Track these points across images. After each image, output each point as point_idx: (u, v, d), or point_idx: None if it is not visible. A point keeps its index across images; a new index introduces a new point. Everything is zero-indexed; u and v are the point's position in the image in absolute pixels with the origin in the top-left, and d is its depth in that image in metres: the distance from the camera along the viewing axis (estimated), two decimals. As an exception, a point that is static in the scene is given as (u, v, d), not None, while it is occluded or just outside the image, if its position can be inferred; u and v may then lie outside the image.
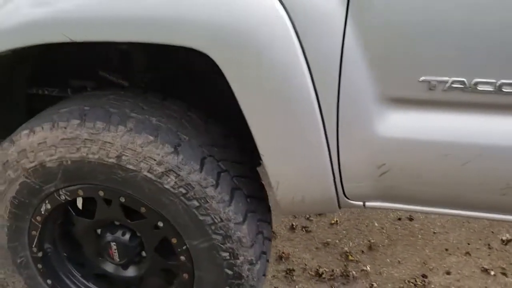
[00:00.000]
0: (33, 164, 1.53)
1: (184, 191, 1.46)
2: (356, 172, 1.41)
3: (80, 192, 1.57)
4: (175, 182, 1.45)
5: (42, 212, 1.62)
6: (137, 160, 1.44)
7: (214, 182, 1.47)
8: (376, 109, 1.32)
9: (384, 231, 2.75)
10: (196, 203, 1.47)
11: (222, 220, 1.49)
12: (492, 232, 2.72)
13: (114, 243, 1.67)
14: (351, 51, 1.25)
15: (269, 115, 1.34)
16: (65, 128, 1.47)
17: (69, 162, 1.50)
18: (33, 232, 1.67)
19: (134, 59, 1.77)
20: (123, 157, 1.45)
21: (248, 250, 1.54)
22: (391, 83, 1.27)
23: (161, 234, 1.59)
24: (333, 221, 2.82)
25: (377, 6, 1.20)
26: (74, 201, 1.64)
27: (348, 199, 1.48)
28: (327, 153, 1.38)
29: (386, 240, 2.67)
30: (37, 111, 1.63)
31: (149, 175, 1.45)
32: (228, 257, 1.53)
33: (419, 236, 2.70)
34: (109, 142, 1.45)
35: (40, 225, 1.65)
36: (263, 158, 1.41)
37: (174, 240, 1.56)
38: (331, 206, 1.49)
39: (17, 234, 1.67)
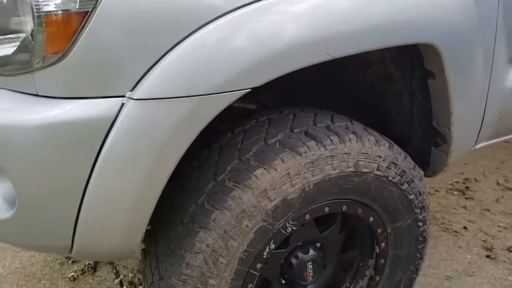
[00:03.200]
0: (274, 203, 1.42)
1: (399, 178, 1.62)
2: (490, 119, 1.84)
3: (307, 217, 1.53)
4: (395, 172, 1.60)
5: (264, 256, 1.50)
6: (369, 162, 1.53)
7: (413, 164, 1.68)
8: (507, 68, 1.79)
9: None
10: (407, 185, 1.65)
11: (420, 194, 1.71)
12: None
13: (310, 263, 1.66)
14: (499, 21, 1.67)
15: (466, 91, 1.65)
16: (306, 152, 1.43)
17: (311, 186, 1.46)
18: (249, 285, 1.51)
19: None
20: (360, 163, 1.52)
21: (429, 214, 1.80)
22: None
23: (368, 230, 1.69)
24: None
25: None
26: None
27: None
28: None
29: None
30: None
31: (378, 172, 1.56)
32: (421, 226, 1.76)
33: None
34: (347, 153, 1.49)
35: (258, 274, 1.51)
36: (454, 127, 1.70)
37: (379, 231, 1.69)
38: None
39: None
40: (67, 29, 1.17)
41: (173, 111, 1.23)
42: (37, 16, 1.17)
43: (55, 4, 1.16)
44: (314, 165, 1.44)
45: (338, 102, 1.96)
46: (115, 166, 1.23)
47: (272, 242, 1.48)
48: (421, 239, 1.78)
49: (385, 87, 1.85)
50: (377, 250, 1.74)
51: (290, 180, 1.42)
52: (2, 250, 2.57)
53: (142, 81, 1.21)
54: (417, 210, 1.71)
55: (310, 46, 1.29)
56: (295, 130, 1.50)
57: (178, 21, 1.21)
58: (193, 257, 1.39)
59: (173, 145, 1.26)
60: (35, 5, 1.16)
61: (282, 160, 1.41)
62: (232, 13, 1.23)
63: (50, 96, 1.23)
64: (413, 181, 1.66)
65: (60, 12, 1.17)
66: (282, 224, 1.47)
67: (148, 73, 1.20)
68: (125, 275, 2.39)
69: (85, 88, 1.21)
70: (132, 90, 1.20)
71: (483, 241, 2.67)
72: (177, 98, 1.22)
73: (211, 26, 1.21)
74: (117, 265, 2.47)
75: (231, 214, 1.38)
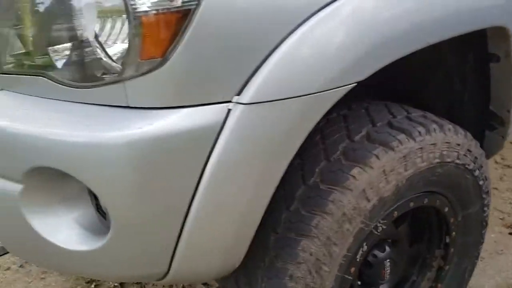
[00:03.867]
0: (372, 203, 1.35)
1: (473, 164, 1.59)
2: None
3: (395, 214, 1.47)
4: (470, 159, 1.57)
5: (357, 260, 1.42)
6: (451, 151, 1.49)
7: (482, 150, 1.65)
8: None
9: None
10: (478, 172, 1.62)
11: (486, 179, 1.69)
12: None
13: (388, 260, 1.60)
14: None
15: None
16: (398, 146, 1.37)
17: (403, 182, 1.40)
18: (342, 292, 1.43)
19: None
20: (443, 153, 1.47)
21: (491, 198, 1.78)
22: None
23: (438, 221, 1.65)
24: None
25: None
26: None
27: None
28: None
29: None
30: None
31: (458, 161, 1.52)
32: (486, 211, 1.74)
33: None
34: (433, 144, 1.44)
35: (352, 278, 1.44)
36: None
37: (452, 220, 1.66)
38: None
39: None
40: (167, 31, 1.04)
41: (282, 114, 1.13)
42: (133, 17, 1.03)
43: (153, 2, 1.03)
44: (406, 160, 1.38)
45: (379, 92, 1.91)
46: (225, 176, 1.12)
47: (365, 244, 1.41)
48: (484, 224, 1.77)
49: (433, 74, 1.82)
50: (447, 240, 1.70)
51: (386, 178, 1.35)
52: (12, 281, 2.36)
53: (248, 84, 1.10)
54: (484, 196, 1.69)
55: (416, 32, 1.22)
56: (378, 124, 1.43)
57: (284, 14, 1.11)
58: (296, 268, 1.29)
59: (283, 149, 1.16)
60: (131, 5, 1.02)
61: (377, 157, 1.34)
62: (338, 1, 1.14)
63: (143, 107, 1.10)
64: (482, 166, 1.64)
65: (160, 11, 1.03)
66: (375, 224, 1.40)
67: (255, 75, 1.10)
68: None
69: (186, 95, 1.09)
70: (238, 94, 1.09)
71: (501, 219, 2.71)
72: (286, 100, 1.12)
73: (319, 16, 1.12)
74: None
75: (332, 218, 1.29)
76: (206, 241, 1.18)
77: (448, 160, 1.49)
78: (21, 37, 1.19)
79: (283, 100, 1.11)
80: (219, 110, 1.10)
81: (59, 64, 1.15)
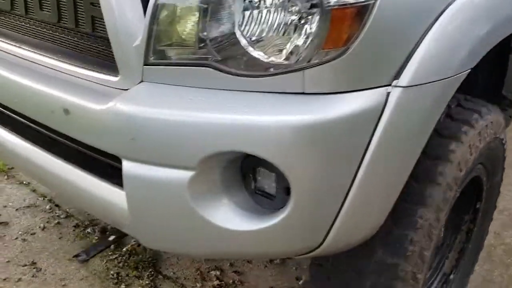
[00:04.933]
0: (462, 172, 1.57)
1: (504, 137, 1.89)
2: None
3: (465, 182, 1.71)
4: (503, 133, 1.87)
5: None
6: (497, 127, 1.77)
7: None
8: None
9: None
10: (506, 144, 1.93)
11: (505, 150, 2.01)
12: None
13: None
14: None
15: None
16: (475, 125, 1.61)
17: (477, 154, 1.64)
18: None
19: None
20: (495, 129, 1.75)
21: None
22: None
23: (473, 189, 1.93)
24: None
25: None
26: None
27: None
28: None
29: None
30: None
31: (499, 135, 1.81)
32: (502, 179, 2.07)
33: None
34: (491, 121, 1.71)
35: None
36: None
37: (484, 188, 1.95)
38: None
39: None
40: (352, 23, 1.16)
41: (429, 96, 1.30)
42: (324, 11, 1.13)
43: (343, -5, 1.14)
44: (480, 135, 1.63)
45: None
46: (384, 154, 1.26)
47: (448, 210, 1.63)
48: (498, 191, 2.10)
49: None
50: (478, 205, 1.99)
51: (470, 151, 1.58)
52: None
53: (404, 68, 1.25)
54: (504, 165, 2.01)
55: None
56: (452, 106, 1.65)
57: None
58: (415, 233, 1.47)
59: (426, 129, 1.33)
60: None
61: (466, 134, 1.56)
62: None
63: (317, 93, 1.20)
64: (505, 139, 1.95)
65: (348, 5, 1.15)
66: (457, 192, 1.63)
67: (410, 60, 1.25)
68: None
69: (357, 81, 1.22)
70: (397, 78, 1.24)
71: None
72: (432, 83, 1.29)
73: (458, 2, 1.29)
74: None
75: (440, 188, 1.49)
76: (360, 215, 1.31)
77: (497, 135, 1.76)
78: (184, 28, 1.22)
79: (431, 83, 1.29)
80: (380, 94, 1.24)
81: (230, 54, 1.21)
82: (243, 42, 1.18)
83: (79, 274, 2.31)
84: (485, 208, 2.04)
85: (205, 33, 1.20)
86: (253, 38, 1.19)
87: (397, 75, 1.24)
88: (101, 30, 1.37)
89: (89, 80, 1.39)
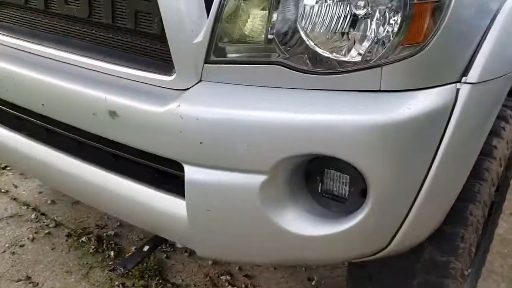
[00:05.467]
0: (502, 167, 1.59)
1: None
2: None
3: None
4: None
5: (480, 219, 1.65)
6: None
7: None
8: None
9: None
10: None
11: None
12: None
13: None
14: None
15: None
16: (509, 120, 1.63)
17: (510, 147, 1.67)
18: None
19: None
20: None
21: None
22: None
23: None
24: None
25: None
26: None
27: None
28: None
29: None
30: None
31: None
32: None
33: None
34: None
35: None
36: None
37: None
38: None
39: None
40: (433, 18, 1.14)
41: (493, 91, 1.30)
42: (408, 7, 1.10)
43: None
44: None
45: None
46: (454, 151, 1.25)
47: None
48: (509, 183, 2.14)
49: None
50: (495, 198, 2.03)
51: (507, 146, 1.60)
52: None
53: (472, 64, 1.24)
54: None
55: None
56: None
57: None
58: (465, 230, 1.46)
59: (490, 124, 1.33)
60: None
61: (504, 129, 1.58)
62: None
63: (393, 90, 1.17)
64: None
65: (429, 1, 1.12)
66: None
67: (476, 55, 1.24)
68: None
69: (431, 78, 1.20)
70: (465, 74, 1.23)
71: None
72: (497, 78, 1.29)
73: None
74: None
75: (486, 184, 1.50)
76: (426, 213, 1.29)
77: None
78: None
79: (495, 79, 1.28)
80: (451, 90, 1.22)
81: (300, 51, 1.15)
82: (320, 38, 1.12)
83: (80, 287, 2.17)
84: (498, 201, 2.08)
85: (274, 30, 1.13)
86: (328, 35, 1.14)
87: (465, 72, 1.23)
88: (145, 26, 1.27)
89: (133, 80, 1.28)
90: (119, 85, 1.29)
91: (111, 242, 2.43)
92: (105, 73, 1.31)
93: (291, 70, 1.15)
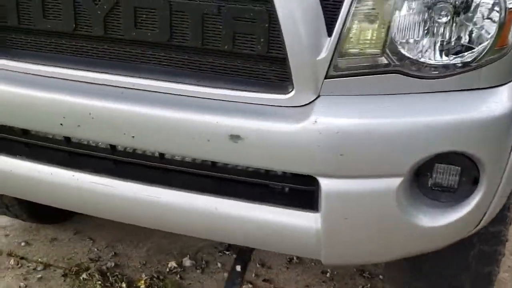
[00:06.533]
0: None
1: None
2: None
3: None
4: None
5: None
6: None
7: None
8: None
9: None
10: None
11: None
12: None
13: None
14: None
15: None
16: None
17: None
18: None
19: None
20: None
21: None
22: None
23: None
24: None
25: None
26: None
27: None
28: None
29: None
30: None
31: None
32: None
33: None
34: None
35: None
36: None
37: None
38: None
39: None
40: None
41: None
42: (505, 12, 1.26)
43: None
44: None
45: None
46: None
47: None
48: None
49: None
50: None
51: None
52: None
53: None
54: None
55: None
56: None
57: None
58: (506, 230, 1.67)
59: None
60: (505, 2, 1.25)
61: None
62: None
63: (484, 88, 1.33)
64: None
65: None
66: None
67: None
68: None
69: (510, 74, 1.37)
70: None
71: None
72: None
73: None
74: None
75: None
76: (507, 190, 1.46)
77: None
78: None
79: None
80: None
81: (415, 59, 1.25)
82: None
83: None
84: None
85: (393, 43, 1.22)
86: (438, 42, 1.25)
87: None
88: (245, 46, 1.28)
89: (242, 102, 1.28)
90: (228, 108, 1.27)
91: (115, 274, 2.30)
92: (210, 98, 1.28)
93: (408, 77, 1.25)
